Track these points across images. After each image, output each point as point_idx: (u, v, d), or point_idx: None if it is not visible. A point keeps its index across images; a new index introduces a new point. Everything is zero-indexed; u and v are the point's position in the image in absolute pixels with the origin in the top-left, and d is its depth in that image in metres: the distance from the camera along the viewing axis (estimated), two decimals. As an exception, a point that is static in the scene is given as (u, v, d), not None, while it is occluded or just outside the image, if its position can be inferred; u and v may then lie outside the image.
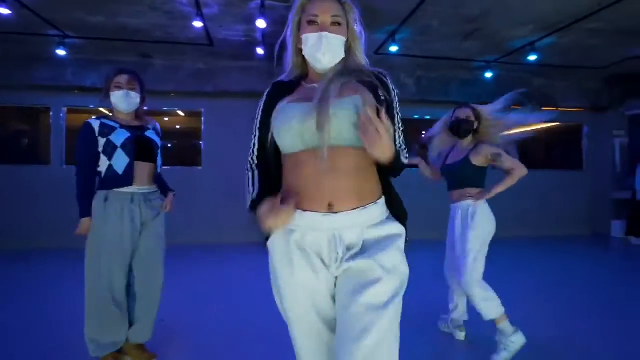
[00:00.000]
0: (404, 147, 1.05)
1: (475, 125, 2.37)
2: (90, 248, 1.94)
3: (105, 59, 5.38)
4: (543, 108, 7.01)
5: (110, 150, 1.91)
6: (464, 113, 2.37)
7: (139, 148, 1.99)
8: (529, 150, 7.80)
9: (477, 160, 2.29)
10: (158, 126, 2.19)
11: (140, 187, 1.99)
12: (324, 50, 1.03)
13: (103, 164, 1.93)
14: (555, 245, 6.07)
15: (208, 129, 6.02)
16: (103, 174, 1.94)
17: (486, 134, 2.36)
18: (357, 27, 1.10)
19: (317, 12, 1.05)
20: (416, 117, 6.73)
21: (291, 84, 1.12)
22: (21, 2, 3.75)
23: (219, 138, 5.96)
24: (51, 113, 5.63)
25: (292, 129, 0.99)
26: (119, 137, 1.94)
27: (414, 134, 7.40)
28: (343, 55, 1.08)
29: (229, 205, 5.72)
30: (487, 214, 2.32)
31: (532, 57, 5.03)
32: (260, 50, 4.73)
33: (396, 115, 1.06)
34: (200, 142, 6.03)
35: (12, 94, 5.50)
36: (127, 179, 1.93)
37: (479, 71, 6.01)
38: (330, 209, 0.96)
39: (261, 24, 3.92)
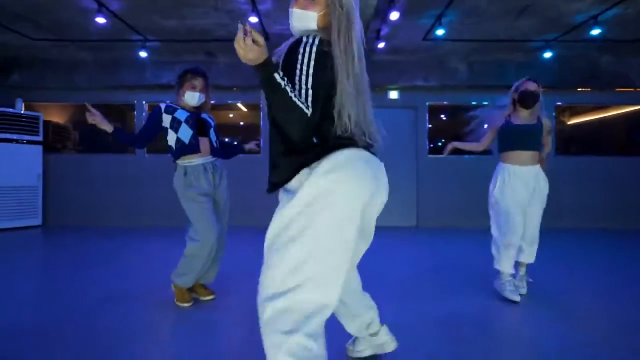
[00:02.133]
0: (288, 83, 1.09)
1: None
2: (190, 210, 2.33)
3: (178, 59, 6.10)
4: (617, 89, 6.49)
5: (176, 125, 2.35)
6: (533, 86, 2.59)
7: (198, 125, 2.42)
8: (603, 135, 7.24)
9: (545, 128, 2.64)
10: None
11: (205, 157, 2.41)
12: (291, 22, 1.28)
13: (171, 138, 2.37)
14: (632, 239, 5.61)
15: (265, 119, 6.50)
16: (174, 147, 2.38)
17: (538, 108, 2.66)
18: (343, 8, 1.20)
19: None
20: (473, 102, 6.58)
21: None
22: (112, 11, 4.47)
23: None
24: (135, 109, 6.50)
25: None
26: (182, 115, 2.39)
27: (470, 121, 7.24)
28: (312, 27, 1.24)
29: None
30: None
31: (595, 31, 4.73)
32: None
33: (297, 66, 1.13)
34: (260, 134, 6.55)
35: (103, 94, 6.44)
36: (193, 147, 2.36)
37: (538, 52, 5.76)
38: None
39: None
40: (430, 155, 6.44)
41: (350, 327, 1.60)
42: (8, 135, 5.87)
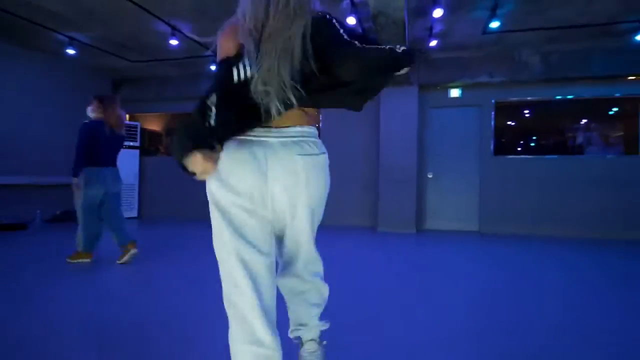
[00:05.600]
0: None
1: None
2: None
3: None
4: None
5: None
6: None
7: None
8: None
9: None
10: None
11: None
12: None
13: None
14: None
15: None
16: None
17: None
18: None
19: None
20: (558, 97, 5.84)
21: None
22: (183, 33, 5.15)
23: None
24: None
25: None
26: None
27: (553, 120, 6.48)
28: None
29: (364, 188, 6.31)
30: None
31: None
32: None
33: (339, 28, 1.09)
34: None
35: (189, 104, 7.35)
36: None
37: (628, 35, 4.94)
38: None
39: (351, 20, 4.32)
40: (496, 156, 5.97)
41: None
42: (115, 142, 7.10)
